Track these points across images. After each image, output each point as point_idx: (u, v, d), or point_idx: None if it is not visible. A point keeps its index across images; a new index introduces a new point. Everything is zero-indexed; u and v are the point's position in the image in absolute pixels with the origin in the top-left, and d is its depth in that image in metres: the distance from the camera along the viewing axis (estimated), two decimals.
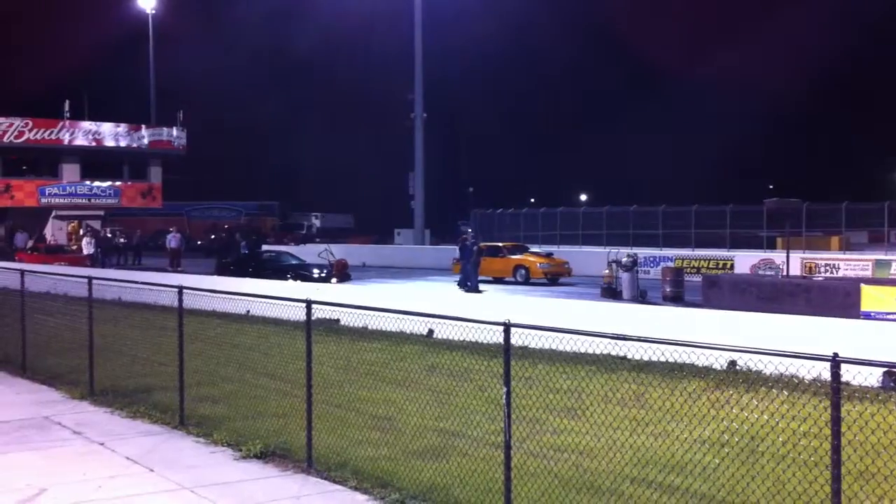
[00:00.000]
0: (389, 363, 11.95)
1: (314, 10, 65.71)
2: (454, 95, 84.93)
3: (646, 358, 11.56)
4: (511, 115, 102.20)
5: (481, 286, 30.22)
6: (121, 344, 14.92)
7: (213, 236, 63.38)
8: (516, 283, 32.70)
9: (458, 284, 30.58)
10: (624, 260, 27.88)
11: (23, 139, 49.05)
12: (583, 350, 10.14)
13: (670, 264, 33.66)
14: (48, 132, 49.99)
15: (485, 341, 8.57)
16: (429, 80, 53.30)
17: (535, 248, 37.39)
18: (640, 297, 26.82)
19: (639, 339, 6.45)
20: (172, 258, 43.11)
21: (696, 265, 35.76)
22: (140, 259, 47.67)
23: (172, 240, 43.79)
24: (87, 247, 43.57)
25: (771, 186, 78.96)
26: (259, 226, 72.82)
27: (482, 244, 33.57)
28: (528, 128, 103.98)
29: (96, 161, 52.25)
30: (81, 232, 50.43)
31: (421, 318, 8.95)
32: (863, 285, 20.29)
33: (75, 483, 8.26)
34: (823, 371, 5.41)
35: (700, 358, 10.98)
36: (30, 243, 46.58)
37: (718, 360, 11.70)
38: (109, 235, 47.58)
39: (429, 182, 54.47)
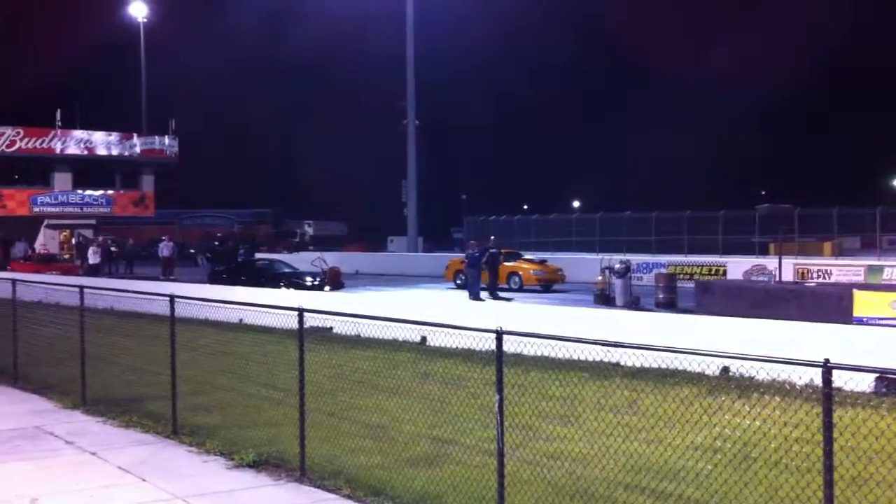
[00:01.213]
0: (382, 371, 11.92)
1: (307, 19, 65.85)
2: (447, 103, 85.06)
3: (639, 364, 11.55)
4: (504, 122, 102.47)
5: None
6: (113, 353, 14.87)
7: (207, 243, 63.26)
8: (510, 289, 32.68)
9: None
10: (617, 266, 27.90)
11: (14, 148, 49.03)
12: (576, 357, 10.13)
13: (663, 270, 33.67)
14: (40, 141, 49.97)
15: (478, 348, 8.57)
16: (421, 88, 53.39)
17: (528, 255, 37.40)
18: (634, 303, 26.82)
19: (631, 346, 6.46)
20: (165, 267, 43.02)
21: (689, 271, 35.81)
22: (132, 268, 47.59)
23: (165, 248, 43.70)
24: (94, 256, 43.33)
25: (763, 192, 79.18)
26: (252, 234, 72.77)
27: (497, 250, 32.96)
28: (521, 134, 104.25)
29: (88, 170, 52.25)
30: (74, 241, 50.37)
31: (414, 326, 8.96)
32: (855, 291, 20.34)
33: (67, 493, 8.23)
34: (815, 377, 5.41)
35: (693, 364, 10.98)
36: (29, 252, 46.47)
37: (711, 367, 11.75)
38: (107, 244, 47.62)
39: (422, 189, 54.50)
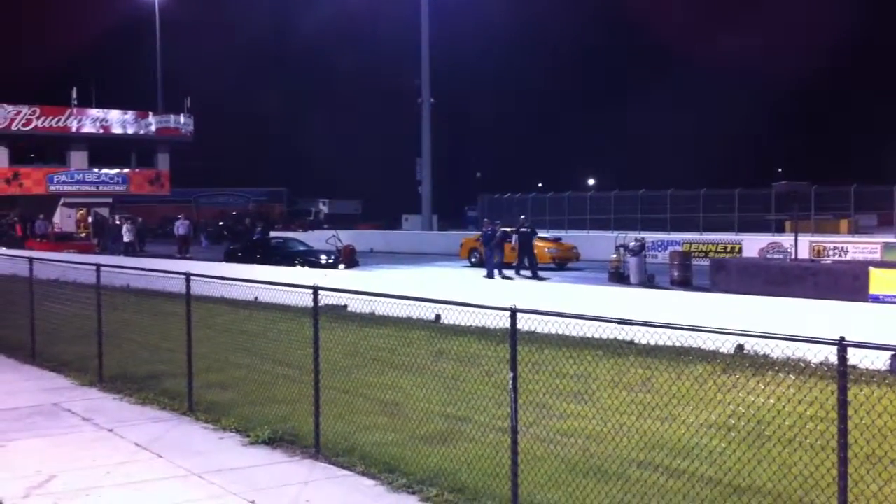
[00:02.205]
0: (397, 349, 11.97)
1: None
2: (462, 80, 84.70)
3: (653, 342, 11.55)
4: (519, 100, 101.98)
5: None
6: (130, 331, 14.98)
7: (220, 222, 63.51)
8: (524, 267, 32.60)
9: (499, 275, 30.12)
10: (632, 244, 27.83)
11: (31, 127, 49.16)
12: (590, 335, 10.14)
13: (678, 248, 33.58)
14: (56, 120, 50.08)
15: (492, 326, 8.58)
16: (436, 65, 53.15)
17: (542, 233, 37.32)
18: (648, 281, 26.77)
19: (646, 324, 6.45)
20: (181, 245, 43.19)
21: (704, 249, 35.69)
22: (143, 246, 47.78)
23: (181, 227, 43.83)
24: (128, 234, 43.24)
25: (780, 169, 78.66)
26: (267, 212, 72.89)
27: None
28: (536, 112, 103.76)
29: (104, 148, 52.35)
30: (90, 219, 50.54)
31: (428, 304, 8.98)
32: (871, 268, 20.23)
33: (84, 469, 8.31)
34: (830, 355, 5.40)
35: (707, 342, 10.98)
36: (50, 229, 46.69)
37: (726, 345, 11.74)
38: (118, 223, 47.75)
39: (436, 167, 54.36)
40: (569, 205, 47.14)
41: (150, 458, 8.67)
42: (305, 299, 9.15)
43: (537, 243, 33.42)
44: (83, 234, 48.76)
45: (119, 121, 52.65)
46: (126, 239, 43.07)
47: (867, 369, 9.36)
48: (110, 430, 9.77)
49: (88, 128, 51.37)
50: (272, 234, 46.67)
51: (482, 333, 12.01)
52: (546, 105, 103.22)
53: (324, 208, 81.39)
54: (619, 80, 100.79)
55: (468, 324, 10.17)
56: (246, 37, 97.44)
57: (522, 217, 33.68)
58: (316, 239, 39.28)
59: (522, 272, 29.79)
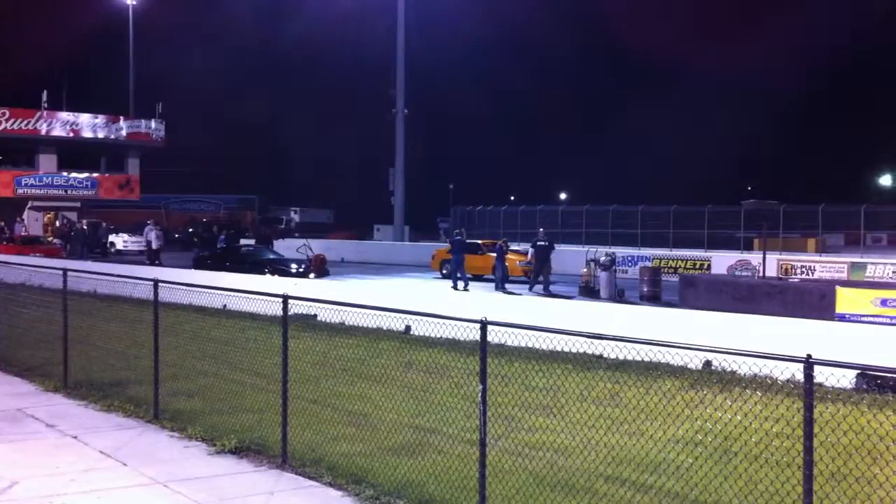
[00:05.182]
0: (366, 359, 11.91)
1: (297, 5, 65.52)
2: (436, 92, 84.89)
3: (622, 357, 11.57)
4: (493, 113, 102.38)
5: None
6: (95, 336, 14.80)
7: (190, 229, 63.07)
8: (495, 280, 32.64)
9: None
10: (602, 259, 27.94)
11: None
12: (559, 348, 10.15)
13: (648, 264, 33.73)
14: (25, 122, 49.62)
15: (462, 338, 8.56)
16: (411, 77, 53.20)
17: (514, 246, 37.35)
18: (618, 296, 26.89)
19: (615, 339, 6.47)
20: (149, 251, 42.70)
21: (673, 265, 35.90)
22: (105, 251, 47.22)
23: (150, 232, 43.35)
24: (157, 240, 41.76)
25: (749, 188, 79.43)
26: (238, 219, 72.46)
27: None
28: (510, 126, 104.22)
29: (74, 152, 51.95)
30: (58, 223, 50.04)
31: (398, 315, 8.96)
32: (838, 287, 20.45)
33: (48, 476, 8.20)
34: (797, 372, 5.44)
35: (675, 357, 11.03)
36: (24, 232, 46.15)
37: (694, 360, 11.72)
38: (82, 227, 47.25)
39: (409, 178, 54.37)
40: (540, 218, 47.22)
41: (114, 466, 8.57)
42: (274, 308, 9.10)
43: (509, 256, 33.40)
44: (50, 238, 48.28)
45: (89, 125, 52.26)
46: (154, 245, 41.65)
47: (833, 387, 9.45)
48: (74, 437, 9.65)
49: (58, 131, 50.95)
50: (242, 241, 46.16)
51: (452, 345, 11.99)
52: (521, 119, 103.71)
53: (295, 216, 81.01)
54: (595, 96, 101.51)
55: (438, 335, 10.15)
56: (221, 44, 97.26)
57: (542, 230, 33.11)
58: (286, 247, 39.08)
59: (536, 287, 29.50)
